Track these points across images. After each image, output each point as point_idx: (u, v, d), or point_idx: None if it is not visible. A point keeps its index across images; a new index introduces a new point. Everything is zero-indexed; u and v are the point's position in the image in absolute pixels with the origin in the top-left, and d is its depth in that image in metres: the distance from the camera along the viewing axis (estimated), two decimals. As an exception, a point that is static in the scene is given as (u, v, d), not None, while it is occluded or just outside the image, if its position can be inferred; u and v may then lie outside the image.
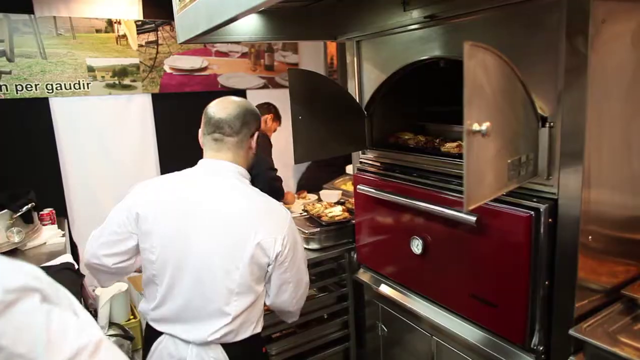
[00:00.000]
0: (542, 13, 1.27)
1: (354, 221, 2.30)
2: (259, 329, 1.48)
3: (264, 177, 3.12)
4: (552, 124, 1.29)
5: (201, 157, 1.52)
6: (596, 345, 1.21)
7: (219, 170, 1.47)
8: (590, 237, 1.29)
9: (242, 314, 1.40)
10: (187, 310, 1.41)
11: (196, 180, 1.47)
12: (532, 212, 1.34)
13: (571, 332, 1.27)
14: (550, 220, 1.32)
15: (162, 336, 1.47)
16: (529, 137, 1.28)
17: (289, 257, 1.43)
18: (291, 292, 1.51)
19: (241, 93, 4.07)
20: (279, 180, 3.22)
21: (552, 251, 1.35)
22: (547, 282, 1.37)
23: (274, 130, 3.64)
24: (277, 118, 3.65)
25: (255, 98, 3.89)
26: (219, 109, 1.48)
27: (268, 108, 3.61)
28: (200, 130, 1.52)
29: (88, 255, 1.53)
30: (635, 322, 1.29)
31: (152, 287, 1.47)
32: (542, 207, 1.33)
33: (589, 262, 1.32)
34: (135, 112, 3.70)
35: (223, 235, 1.38)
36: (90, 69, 3.50)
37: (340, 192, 3.29)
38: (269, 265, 1.41)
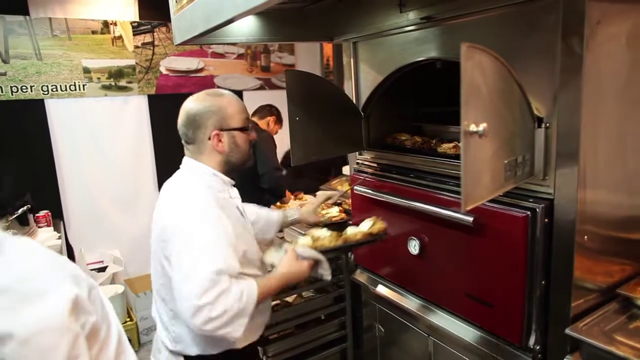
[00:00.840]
0: (538, 14, 1.28)
1: (350, 222, 2.30)
2: (211, 351, 1.40)
3: (269, 177, 3.19)
4: (548, 124, 1.30)
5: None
6: (592, 344, 1.21)
7: (182, 168, 1.47)
8: (585, 236, 1.30)
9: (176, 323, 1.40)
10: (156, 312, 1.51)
11: (166, 183, 1.50)
12: (529, 212, 1.35)
13: (567, 331, 1.28)
14: (546, 220, 1.33)
15: None
16: (525, 138, 1.28)
17: (175, 247, 1.29)
18: (182, 276, 1.25)
19: (237, 94, 4.05)
20: (283, 179, 3.30)
21: (549, 251, 1.36)
22: (543, 282, 1.37)
23: (276, 133, 3.66)
24: (279, 120, 3.67)
25: (252, 99, 3.89)
26: (179, 115, 1.45)
27: (270, 110, 3.63)
28: None
29: None
30: (631, 321, 1.30)
31: None
32: (539, 207, 1.33)
33: (585, 262, 1.33)
34: (132, 114, 3.69)
35: (153, 235, 1.41)
36: (86, 71, 3.49)
37: (337, 193, 3.30)
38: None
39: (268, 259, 1.55)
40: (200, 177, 1.42)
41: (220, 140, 1.41)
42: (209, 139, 1.40)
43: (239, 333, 1.27)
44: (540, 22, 1.29)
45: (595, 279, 1.37)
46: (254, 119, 3.51)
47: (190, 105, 1.43)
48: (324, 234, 1.78)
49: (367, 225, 1.83)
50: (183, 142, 1.47)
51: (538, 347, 1.41)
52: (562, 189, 1.30)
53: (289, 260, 1.47)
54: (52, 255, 0.78)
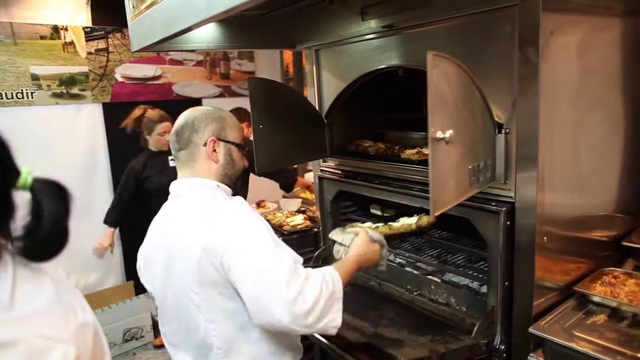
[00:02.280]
0: (496, 24, 1.32)
1: (315, 229, 2.30)
2: None
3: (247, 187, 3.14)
4: (507, 130, 1.34)
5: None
6: (554, 341, 1.26)
7: (182, 192, 1.36)
8: (545, 237, 1.35)
9: (232, 345, 1.27)
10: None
11: (166, 210, 1.39)
12: (491, 216, 1.39)
13: (531, 329, 1.32)
14: (508, 223, 1.37)
15: None
16: (486, 144, 1.32)
17: (234, 255, 1.18)
18: (255, 281, 1.16)
19: (197, 102, 3.99)
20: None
21: (511, 253, 1.40)
22: (506, 283, 1.42)
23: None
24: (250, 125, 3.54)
25: (211, 105, 3.81)
26: (176, 122, 1.38)
27: (238, 112, 3.37)
28: None
29: None
30: (588, 317, 1.36)
31: None
32: (501, 210, 1.37)
33: (545, 262, 1.38)
34: (85, 123, 3.54)
35: (180, 264, 1.26)
36: (35, 77, 3.32)
37: (300, 200, 3.29)
38: (220, 275, 1.21)
39: (335, 238, 1.51)
40: (206, 193, 1.32)
41: (214, 150, 1.33)
42: (205, 145, 1.32)
43: (339, 320, 1.20)
44: (497, 32, 1.33)
45: (554, 278, 1.43)
46: None
47: (189, 112, 1.37)
48: (369, 225, 1.74)
49: (414, 220, 1.77)
50: (174, 153, 1.37)
51: (503, 347, 1.45)
52: (523, 192, 1.34)
53: (363, 241, 1.42)
54: (63, 300, 0.75)
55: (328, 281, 1.20)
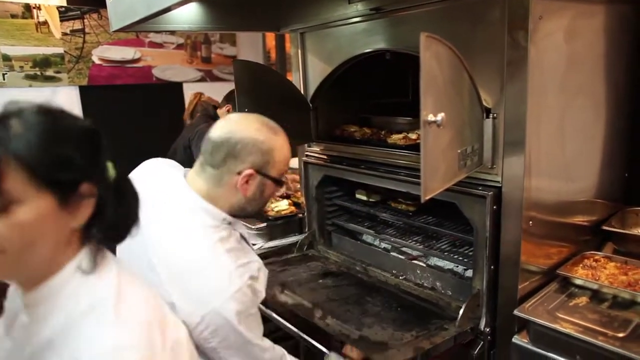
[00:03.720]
0: (485, 8, 1.32)
1: (300, 215, 2.29)
2: None
3: None
4: (495, 115, 1.34)
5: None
6: (538, 322, 1.28)
7: (182, 204, 1.18)
8: (531, 222, 1.36)
9: None
10: None
11: (153, 214, 1.14)
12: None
13: (516, 312, 1.33)
14: (494, 207, 1.38)
15: None
16: (474, 128, 1.32)
17: (215, 341, 1.07)
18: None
19: (178, 86, 3.90)
20: None
21: (497, 237, 1.41)
22: (492, 267, 1.43)
23: None
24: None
25: (193, 91, 3.74)
26: (219, 125, 1.20)
27: (227, 97, 3.16)
28: None
29: None
30: (570, 299, 1.39)
31: None
32: (487, 195, 1.38)
33: (530, 246, 1.39)
34: (61, 106, 3.43)
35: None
36: (6, 58, 3.20)
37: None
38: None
39: None
40: (210, 229, 1.15)
41: (247, 182, 1.17)
42: (239, 173, 1.17)
43: None
44: (486, 16, 1.32)
45: (538, 261, 1.45)
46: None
47: (237, 126, 1.19)
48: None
49: None
50: (201, 159, 1.22)
51: (488, 330, 1.47)
52: (510, 177, 1.35)
53: None
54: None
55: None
